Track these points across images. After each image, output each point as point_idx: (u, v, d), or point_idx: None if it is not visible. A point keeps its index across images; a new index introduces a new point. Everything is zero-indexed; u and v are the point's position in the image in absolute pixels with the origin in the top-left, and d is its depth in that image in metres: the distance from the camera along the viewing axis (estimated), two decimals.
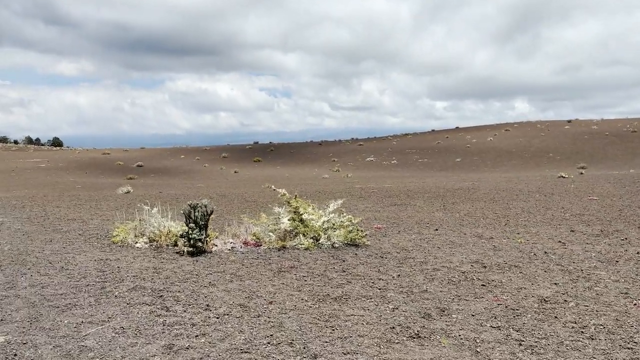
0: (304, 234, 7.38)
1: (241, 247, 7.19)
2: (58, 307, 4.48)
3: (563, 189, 15.41)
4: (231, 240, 7.49)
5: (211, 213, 7.11)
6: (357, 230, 7.56)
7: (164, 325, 4.06)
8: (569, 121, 63.07)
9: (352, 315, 4.34)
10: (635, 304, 4.67)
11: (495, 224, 9.57)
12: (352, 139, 68.91)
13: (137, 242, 7.40)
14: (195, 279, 5.48)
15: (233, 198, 14.82)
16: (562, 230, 8.70)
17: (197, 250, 6.75)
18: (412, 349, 3.63)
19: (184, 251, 6.76)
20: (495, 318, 4.29)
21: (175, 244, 7.16)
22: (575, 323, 4.18)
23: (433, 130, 71.43)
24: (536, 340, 3.80)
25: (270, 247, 7.19)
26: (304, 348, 3.60)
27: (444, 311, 4.46)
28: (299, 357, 3.46)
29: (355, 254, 6.88)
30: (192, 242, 6.75)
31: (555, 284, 5.39)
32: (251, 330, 3.95)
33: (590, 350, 3.64)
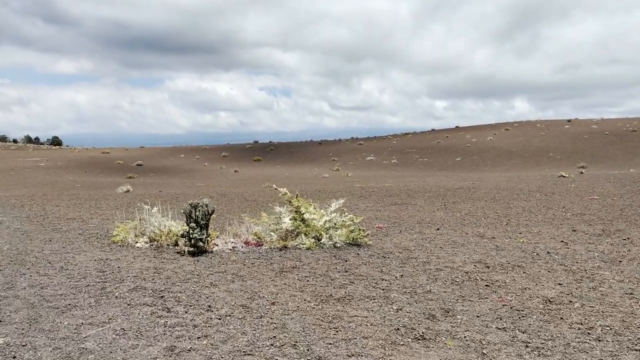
0: (305, 234, 7.33)
1: (242, 247, 7.14)
2: (58, 308, 4.43)
3: (564, 189, 15.37)
4: (232, 239, 7.43)
5: (212, 212, 7.06)
6: (359, 229, 7.51)
7: (165, 326, 4.01)
8: (569, 120, 63.07)
9: (355, 316, 4.29)
10: None
11: (497, 223, 9.52)
12: (352, 138, 68.88)
13: (137, 242, 7.34)
14: (196, 280, 5.43)
15: (233, 197, 14.77)
16: (564, 230, 8.65)
17: (198, 250, 6.70)
18: (417, 351, 3.58)
19: (184, 251, 6.71)
20: (501, 319, 4.24)
21: (176, 244, 7.10)
22: (582, 324, 4.13)
23: (433, 130, 71.42)
24: (542, 341, 3.75)
25: (272, 246, 7.14)
26: (308, 350, 3.55)
27: (448, 312, 4.41)
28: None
29: (358, 253, 6.83)
30: (193, 241, 6.70)
31: (560, 284, 5.34)
32: (254, 332, 3.90)
33: (598, 352, 3.59)
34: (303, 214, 7.50)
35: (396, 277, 5.61)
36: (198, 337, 3.79)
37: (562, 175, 20.88)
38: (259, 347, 3.60)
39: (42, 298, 4.70)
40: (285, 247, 7.12)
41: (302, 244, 7.14)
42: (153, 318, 4.19)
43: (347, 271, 5.87)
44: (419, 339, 3.78)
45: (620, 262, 6.34)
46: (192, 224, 6.79)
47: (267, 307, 4.51)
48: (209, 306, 4.52)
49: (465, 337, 3.83)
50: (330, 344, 3.68)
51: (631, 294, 4.98)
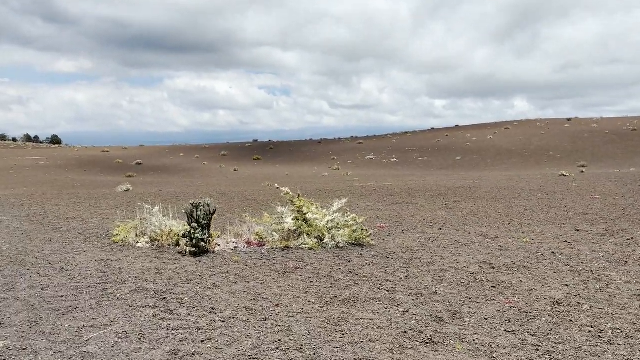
0: (308, 234, 7.25)
1: (244, 247, 7.07)
2: (58, 310, 4.35)
3: (565, 188, 15.31)
4: (234, 239, 7.36)
5: (214, 212, 6.98)
6: (362, 229, 7.44)
7: (168, 329, 3.93)
8: (569, 119, 63.00)
9: (361, 318, 4.21)
10: None
11: (499, 223, 9.46)
12: (352, 137, 68.79)
13: (138, 242, 7.26)
14: (198, 280, 5.35)
15: (233, 196, 14.69)
16: (567, 230, 8.59)
17: (199, 251, 6.63)
18: (426, 355, 3.51)
19: (186, 251, 6.63)
20: (509, 321, 4.17)
21: (177, 244, 7.03)
22: (592, 327, 4.06)
23: (433, 129, 71.33)
24: (553, 345, 3.69)
25: (274, 247, 7.06)
26: (314, 354, 3.48)
27: (455, 314, 4.34)
28: None
29: (361, 254, 6.76)
30: (194, 242, 6.62)
31: (567, 285, 5.28)
32: (258, 335, 3.82)
33: (610, 355, 3.52)
34: (305, 213, 7.43)
35: (401, 278, 5.54)
36: (202, 341, 3.71)
37: (563, 174, 20.81)
38: (264, 351, 3.53)
39: (43, 300, 4.62)
40: (288, 247, 7.05)
41: (305, 244, 7.07)
42: (155, 320, 4.12)
43: (350, 272, 5.80)
44: (427, 343, 3.71)
45: (626, 262, 6.28)
46: (194, 224, 6.71)
47: (271, 309, 4.44)
48: (212, 308, 4.45)
49: (474, 340, 3.77)
50: (337, 347, 3.60)
51: (639, 295, 4.91)
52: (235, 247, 7.05)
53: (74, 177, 29.81)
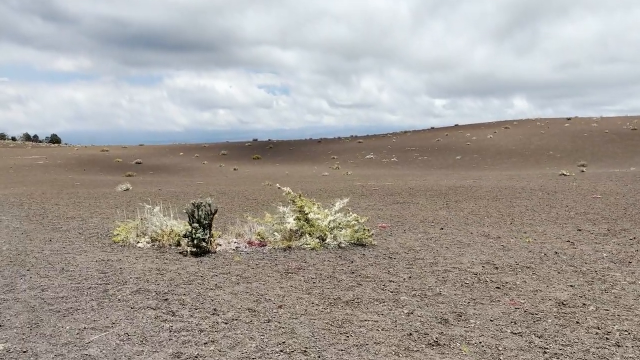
0: (309, 234, 7.21)
1: (246, 247, 7.02)
2: (59, 311, 4.30)
3: (565, 187, 15.27)
4: (235, 239, 7.31)
5: (215, 212, 6.93)
6: (364, 229, 7.40)
7: (170, 331, 3.88)
8: (569, 119, 63.00)
9: (366, 320, 4.17)
10: None
11: (501, 222, 9.42)
12: (352, 136, 68.76)
13: (138, 242, 7.21)
14: (200, 281, 5.30)
15: (233, 196, 14.64)
16: (569, 230, 8.55)
17: (201, 251, 6.58)
18: (432, 358, 3.46)
19: (187, 251, 6.59)
20: (515, 323, 4.12)
21: (178, 244, 6.98)
22: (599, 329, 4.02)
23: (432, 128, 71.32)
24: (560, 347, 3.64)
25: (276, 247, 7.02)
26: (319, 357, 3.43)
27: (460, 316, 4.29)
28: None
29: (363, 254, 6.71)
30: (195, 242, 6.57)
31: (571, 286, 5.23)
32: (262, 337, 3.77)
33: (619, 358, 3.48)
34: (307, 213, 7.38)
35: (404, 278, 5.50)
36: (205, 343, 3.66)
37: (563, 174, 20.79)
38: (268, 354, 3.48)
39: (43, 301, 4.57)
40: (289, 247, 7.00)
41: (307, 244, 7.02)
42: (157, 322, 4.07)
43: (353, 272, 5.76)
44: (433, 345, 3.67)
45: (630, 262, 6.23)
46: (195, 224, 6.66)
47: (274, 311, 4.39)
48: (215, 309, 4.40)
49: (480, 342, 3.72)
50: (342, 350, 3.55)
51: None
52: (236, 247, 7.00)
53: (74, 176, 29.75)
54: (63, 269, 5.78)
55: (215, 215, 7.13)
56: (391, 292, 5.00)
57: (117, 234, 7.52)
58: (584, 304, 4.63)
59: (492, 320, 4.18)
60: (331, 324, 4.06)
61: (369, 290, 5.07)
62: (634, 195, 12.98)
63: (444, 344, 3.68)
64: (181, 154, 52.79)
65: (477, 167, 35.41)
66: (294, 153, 53.00)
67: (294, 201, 7.54)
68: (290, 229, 7.27)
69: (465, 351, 3.56)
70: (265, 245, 7.08)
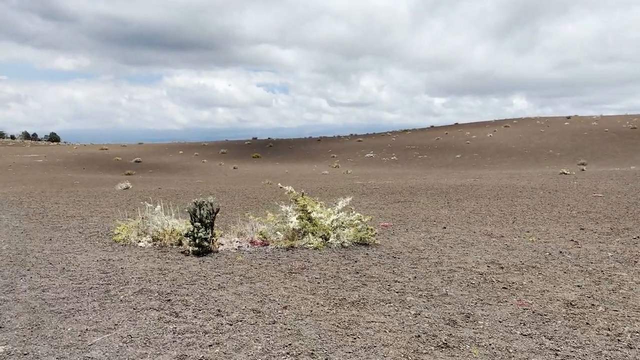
0: (312, 233, 7.14)
1: (248, 247, 6.95)
2: (60, 312, 4.23)
3: (566, 186, 15.22)
4: (237, 239, 7.24)
5: (217, 211, 6.86)
6: (367, 229, 7.33)
7: (174, 333, 3.81)
8: (569, 117, 63.00)
9: (372, 321, 4.09)
10: None
11: (503, 221, 9.36)
12: (351, 135, 68.70)
13: (140, 241, 7.14)
14: (203, 281, 5.23)
15: (234, 194, 14.57)
16: (572, 228, 8.49)
17: (203, 250, 6.51)
18: None
19: (189, 251, 6.51)
20: (524, 324, 4.06)
21: (180, 243, 6.91)
22: (609, 330, 3.95)
23: (432, 127, 71.28)
24: (572, 349, 3.57)
25: (278, 246, 6.95)
26: (326, 359, 3.37)
27: (469, 317, 4.22)
28: None
29: (367, 253, 6.64)
30: (197, 241, 6.50)
31: (579, 286, 5.17)
32: (267, 339, 3.70)
33: None
34: (310, 212, 7.31)
35: (409, 278, 5.43)
36: (210, 345, 3.59)
37: (564, 173, 20.73)
38: (274, 356, 3.41)
39: (44, 302, 4.49)
40: (292, 246, 6.93)
41: (310, 244, 6.95)
42: (161, 324, 3.99)
43: (358, 272, 5.69)
44: (442, 347, 3.60)
45: (636, 262, 6.17)
46: (197, 223, 6.59)
47: (279, 312, 4.32)
48: (219, 310, 4.32)
49: (490, 344, 3.65)
50: (350, 352, 3.48)
51: None
52: (239, 247, 6.93)
53: (73, 174, 29.65)
54: (64, 268, 5.70)
55: (217, 214, 7.05)
56: (397, 292, 4.93)
57: (118, 233, 7.45)
58: (592, 305, 4.56)
59: (500, 322, 4.12)
60: (337, 326, 3.99)
61: (374, 290, 5.00)
62: (636, 194, 12.93)
63: (454, 346, 3.61)
64: (180, 152, 52.68)
65: (477, 165, 35.35)
66: (294, 152, 52.91)
67: (296, 200, 7.47)
68: (293, 228, 7.20)
69: (475, 353, 3.49)
70: (268, 245, 7.01)
